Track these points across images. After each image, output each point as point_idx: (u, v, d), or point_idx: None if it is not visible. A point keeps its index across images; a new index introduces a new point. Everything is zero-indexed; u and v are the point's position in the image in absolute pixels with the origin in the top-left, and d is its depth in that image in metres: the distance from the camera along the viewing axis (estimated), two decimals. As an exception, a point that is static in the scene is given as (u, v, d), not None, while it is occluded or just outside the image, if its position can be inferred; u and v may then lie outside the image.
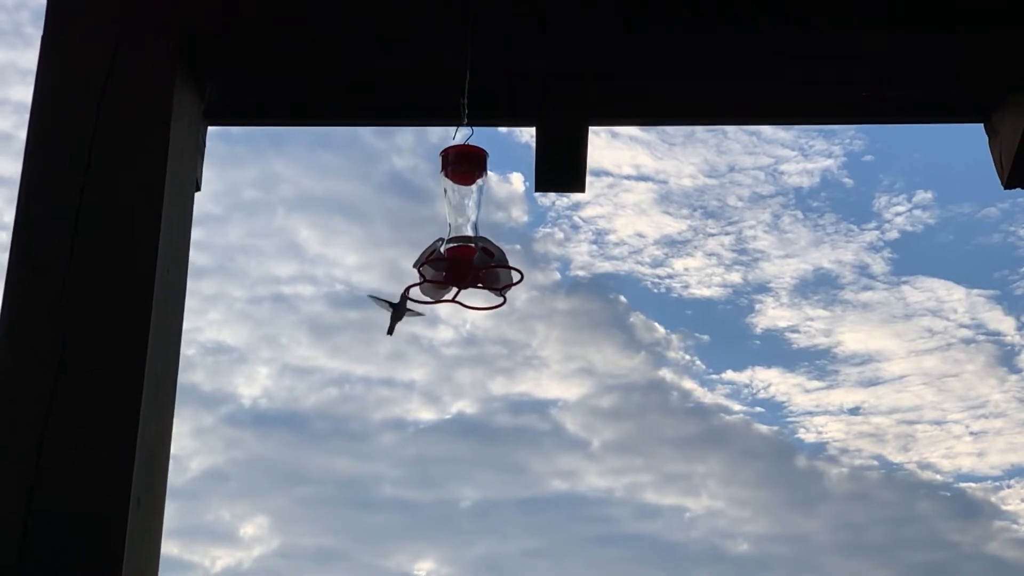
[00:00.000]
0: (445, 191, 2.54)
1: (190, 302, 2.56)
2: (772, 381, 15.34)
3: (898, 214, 15.06)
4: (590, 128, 2.94)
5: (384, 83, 2.91)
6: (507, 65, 2.79)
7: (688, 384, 15.29)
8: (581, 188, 2.98)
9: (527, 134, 3.01)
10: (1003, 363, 14.98)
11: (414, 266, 2.48)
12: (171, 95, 2.45)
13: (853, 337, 15.22)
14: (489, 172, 2.56)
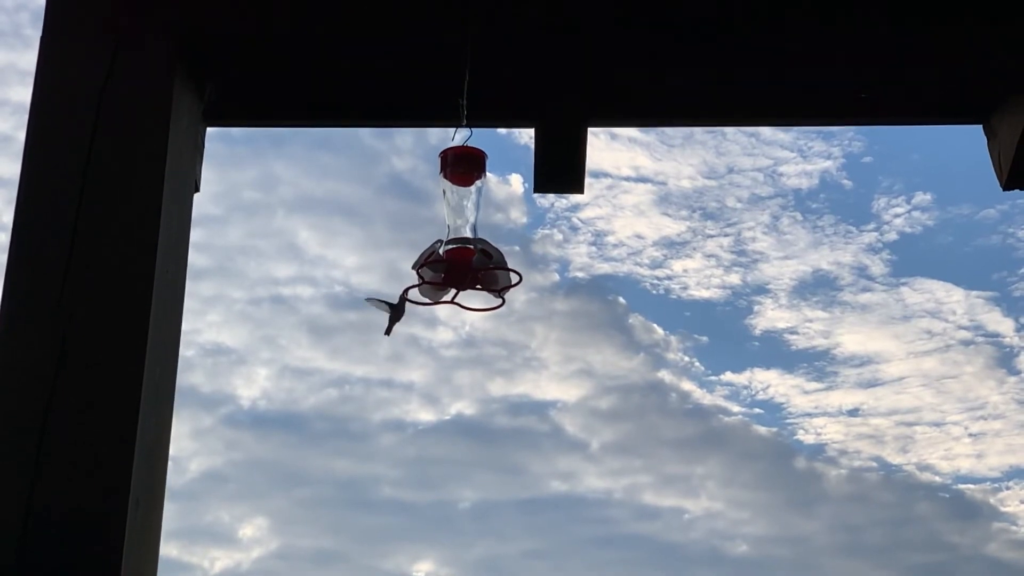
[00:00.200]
0: (444, 192, 2.54)
1: (189, 303, 2.56)
2: (771, 382, 15.33)
3: (897, 216, 15.06)
4: (589, 129, 2.94)
5: (383, 84, 2.91)
6: (506, 66, 2.79)
7: (687, 385, 15.29)
8: (580, 189, 2.98)
9: (526, 135, 3.01)
10: (1002, 365, 14.97)
11: (413, 267, 2.48)
12: (170, 96, 2.45)
13: (852, 339, 15.21)
14: (488, 173, 2.56)
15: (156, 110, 2.44)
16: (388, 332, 2.58)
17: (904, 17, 2.61)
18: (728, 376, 15.40)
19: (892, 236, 14.97)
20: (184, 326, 2.54)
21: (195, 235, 2.60)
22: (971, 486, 14.81)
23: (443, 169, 2.54)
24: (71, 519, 2.16)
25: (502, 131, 3.41)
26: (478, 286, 2.48)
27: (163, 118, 2.43)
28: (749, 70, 2.84)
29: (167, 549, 2.37)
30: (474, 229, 2.52)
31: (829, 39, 2.70)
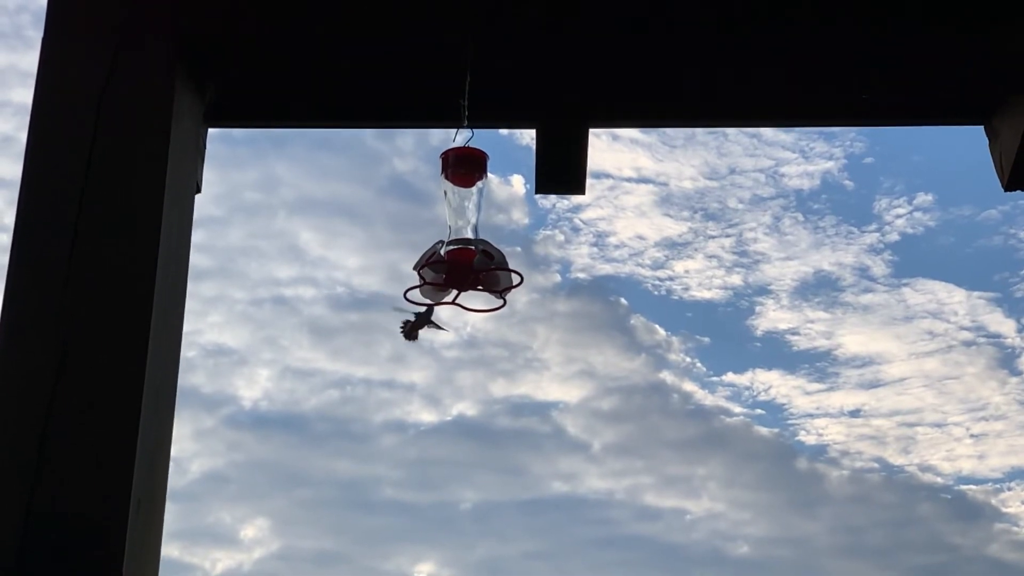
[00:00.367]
0: (445, 193, 2.54)
1: (190, 304, 2.56)
2: (773, 383, 15.33)
3: (899, 216, 15.06)
4: (591, 130, 2.94)
5: (384, 85, 2.91)
6: (507, 67, 2.79)
7: (689, 386, 15.29)
8: (581, 190, 2.98)
9: (528, 136, 3.01)
10: (1004, 365, 14.97)
11: (414, 268, 2.48)
12: (171, 97, 2.45)
13: (854, 339, 15.21)
14: (489, 174, 2.56)
15: (157, 111, 2.44)
16: (413, 338, 2.58)
17: (905, 18, 2.61)
18: (730, 377, 15.40)
19: (894, 237, 14.97)
20: (185, 327, 2.54)
21: (196, 236, 2.61)
22: (973, 487, 14.81)
23: (444, 170, 2.54)
24: (72, 521, 2.16)
25: (503, 132, 3.41)
26: (479, 287, 2.48)
27: (164, 119, 2.43)
28: (751, 71, 2.84)
29: (168, 550, 2.37)
30: (475, 230, 2.52)
31: (830, 40, 2.70)
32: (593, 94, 2.89)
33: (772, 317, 15.15)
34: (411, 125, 3.19)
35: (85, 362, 2.26)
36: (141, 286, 2.32)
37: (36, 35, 2.52)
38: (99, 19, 2.51)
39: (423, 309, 2.58)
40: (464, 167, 2.54)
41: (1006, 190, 2.85)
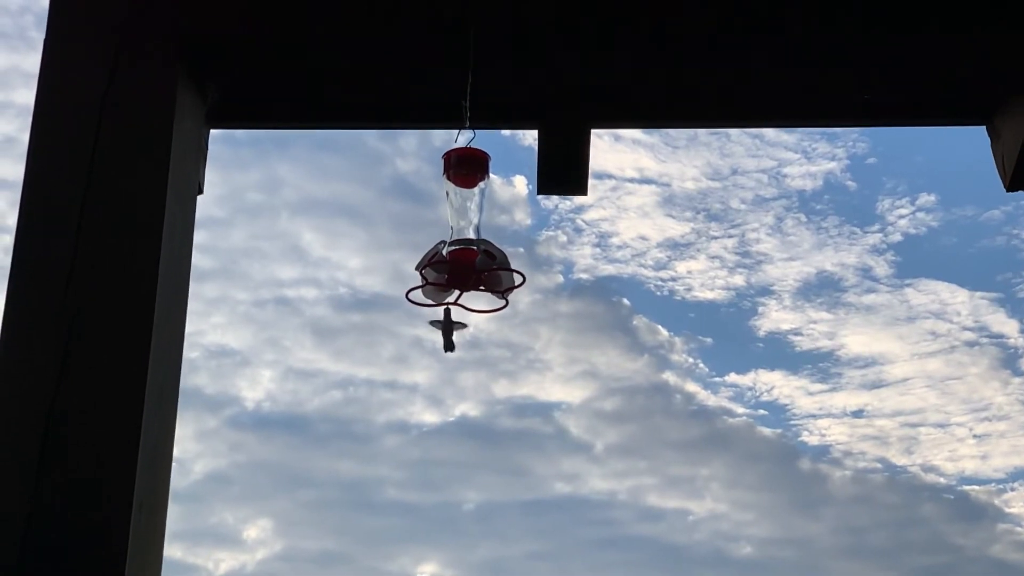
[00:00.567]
0: (447, 194, 2.54)
1: (193, 305, 2.56)
2: (775, 384, 15.31)
3: (901, 217, 15.05)
4: (593, 131, 2.94)
5: (386, 86, 2.91)
6: (509, 68, 2.79)
7: (691, 387, 15.27)
8: (583, 191, 2.98)
9: (530, 137, 3.01)
10: (1007, 366, 14.95)
11: (416, 269, 2.48)
12: (173, 98, 2.45)
13: (856, 340, 15.19)
14: (492, 175, 2.56)
15: (159, 112, 2.44)
16: (450, 348, 2.57)
17: (907, 18, 2.61)
18: (732, 377, 15.39)
19: (896, 237, 14.96)
20: (188, 328, 2.55)
21: (199, 237, 2.61)
22: (976, 487, 14.79)
23: (446, 171, 2.54)
24: (74, 521, 2.16)
25: (506, 133, 3.41)
26: (481, 287, 2.48)
27: (166, 120, 2.43)
28: (752, 71, 2.84)
29: (171, 551, 2.37)
30: (477, 230, 2.52)
31: (832, 41, 2.70)
32: (595, 95, 2.89)
33: (775, 318, 15.14)
34: (413, 126, 3.19)
35: (87, 362, 2.26)
36: (143, 287, 2.32)
37: (39, 36, 2.52)
38: (101, 20, 2.51)
39: (442, 318, 2.58)
40: (466, 168, 2.54)
41: (1008, 190, 2.85)
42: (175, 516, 2.42)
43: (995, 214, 14.91)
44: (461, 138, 2.55)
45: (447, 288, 2.48)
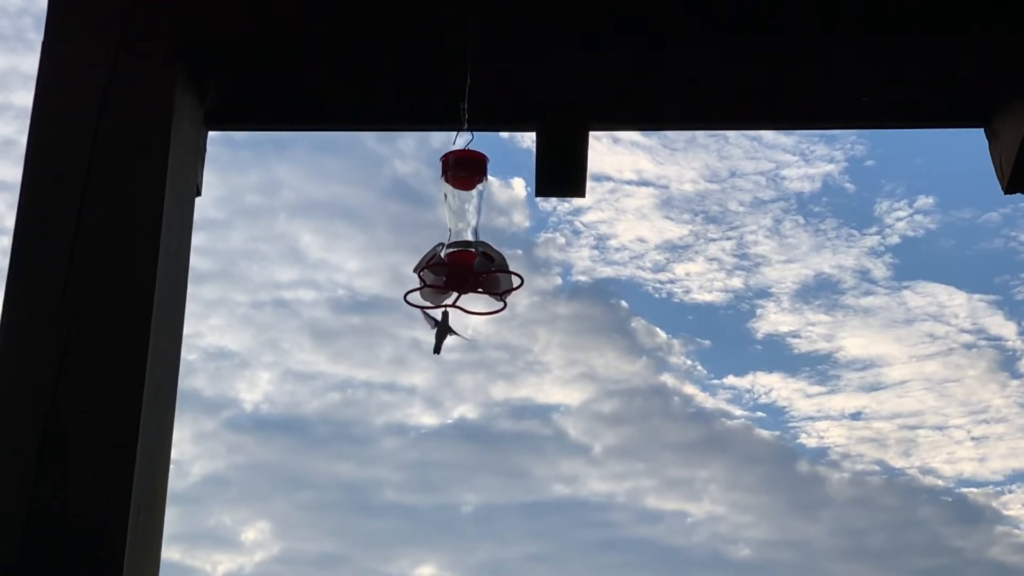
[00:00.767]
0: (446, 196, 2.54)
1: (192, 307, 2.56)
2: (773, 386, 15.33)
3: (899, 219, 15.07)
4: (591, 133, 2.94)
5: (385, 88, 2.91)
6: (507, 70, 2.79)
7: (689, 389, 15.29)
8: (581, 193, 2.98)
9: (528, 139, 3.02)
10: (1004, 368, 14.97)
11: (414, 271, 2.48)
12: (171, 100, 2.45)
13: (854, 342, 15.22)
14: (490, 177, 2.56)
15: (157, 114, 2.44)
16: (438, 351, 2.58)
17: (904, 21, 2.61)
18: (730, 380, 15.41)
19: (894, 240, 14.98)
20: (186, 330, 2.55)
21: (197, 239, 2.61)
22: (974, 490, 14.81)
23: (444, 173, 2.54)
24: (72, 523, 2.16)
25: (504, 135, 3.41)
26: (480, 289, 2.48)
27: (164, 122, 2.43)
28: (751, 73, 2.84)
29: (169, 553, 2.37)
30: (475, 232, 2.52)
31: (830, 42, 2.70)
32: (593, 97, 2.89)
33: (773, 320, 15.16)
34: (411, 128, 3.20)
35: (86, 364, 2.26)
36: (141, 288, 2.32)
37: (37, 38, 2.52)
38: (99, 22, 2.51)
39: (438, 320, 2.58)
40: (464, 170, 2.54)
41: (1006, 192, 2.85)
42: (173, 518, 2.43)
43: (993, 216, 14.94)
44: (459, 140, 2.55)
45: (445, 290, 2.48)
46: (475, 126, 2.55)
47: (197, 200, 2.66)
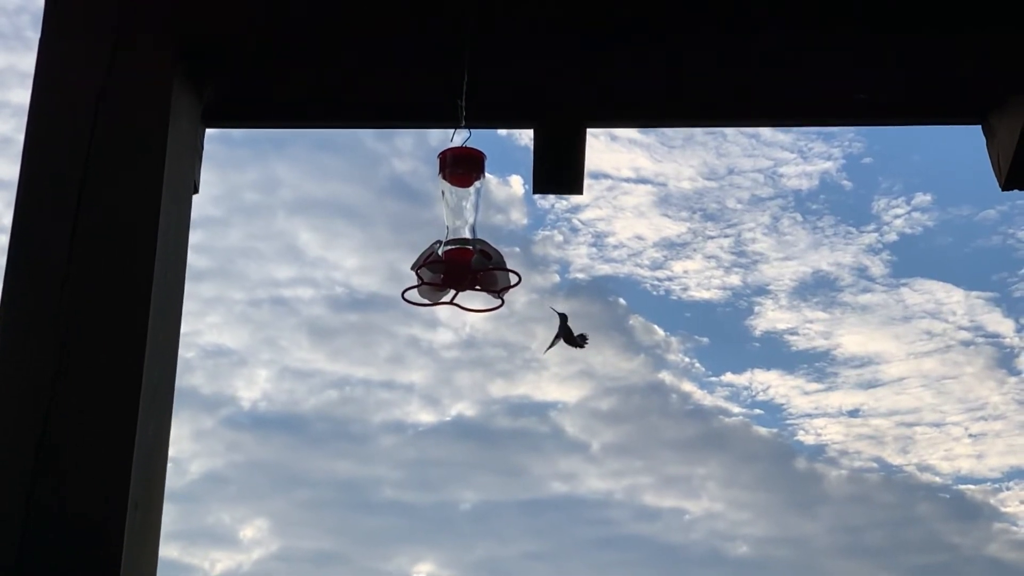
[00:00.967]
0: (443, 193, 2.54)
1: (189, 305, 2.56)
2: (771, 383, 15.33)
3: (897, 216, 15.06)
4: (589, 131, 2.94)
5: (383, 85, 2.91)
6: (505, 67, 2.79)
7: (687, 386, 15.28)
8: (579, 190, 2.98)
9: (526, 136, 3.02)
10: (1002, 365, 14.97)
11: (412, 268, 2.48)
12: (169, 97, 2.45)
13: (852, 339, 15.21)
14: (487, 175, 2.56)
15: (155, 111, 2.44)
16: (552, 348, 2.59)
17: (902, 18, 2.61)
18: (728, 377, 15.40)
19: (892, 237, 14.98)
20: (184, 328, 2.55)
21: (195, 237, 2.61)
22: (972, 487, 14.81)
23: (442, 170, 2.54)
24: (70, 522, 2.16)
25: (502, 133, 3.41)
26: (477, 287, 2.48)
27: (162, 119, 2.43)
28: (749, 71, 2.84)
29: (168, 550, 2.37)
30: (473, 230, 2.52)
31: (828, 40, 2.70)
32: (591, 94, 2.89)
33: (771, 317, 15.16)
34: (409, 125, 3.19)
35: (83, 363, 2.26)
36: (139, 286, 2.32)
37: (35, 36, 2.52)
38: (96, 19, 2.51)
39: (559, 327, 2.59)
40: (462, 167, 2.53)
41: (1003, 189, 2.85)
42: (171, 516, 2.43)
43: (991, 213, 14.94)
44: (457, 137, 2.55)
45: (443, 288, 2.48)
46: (473, 123, 2.55)
47: (195, 198, 2.66)
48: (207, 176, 2.76)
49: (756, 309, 15.20)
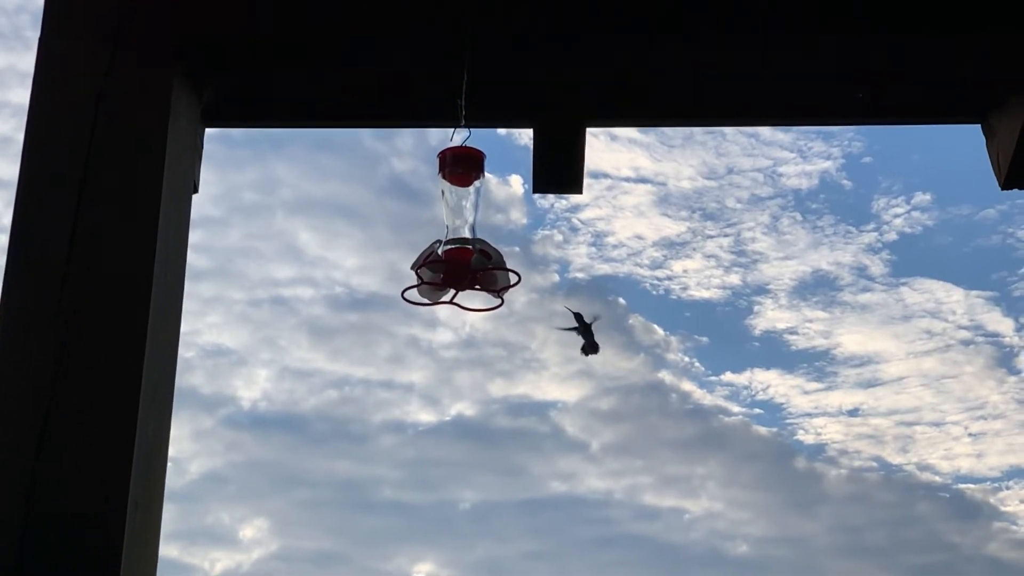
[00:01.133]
0: (443, 193, 2.54)
1: (189, 305, 2.56)
2: (771, 383, 15.35)
3: (897, 216, 15.08)
4: (589, 130, 2.94)
5: (382, 84, 2.91)
6: (504, 66, 2.79)
7: (687, 386, 15.30)
8: (579, 189, 2.98)
9: (526, 136, 3.02)
10: (1002, 364, 15.00)
11: (412, 268, 2.48)
12: (169, 97, 2.45)
13: (852, 339, 15.23)
14: (487, 174, 2.56)
15: (154, 111, 2.44)
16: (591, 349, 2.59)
17: (902, 18, 2.61)
18: (728, 376, 15.42)
19: (892, 236, 14.99)
20: (184, 327, 2.55)
21: (195, 236, 2.61)
22: (971, 486, 14.83)
23: (441, 170, 2.54)
24: (70, 521, 2.16)
25: (502, 132, 3.42)
26: (477, 286, 2.48)
27: (162, 119, 2.43)
28: (749, 70, 2.84)
29: (168, 550, 2.37)
30: (473, 229, 2.52)
31: (828, 40, 2.70)
32: (590, 93, 2.89)
33: (770, 317, 15.17)
34: (409, 125, 3.19)
35: (83, 362, 2.26)
36: (139, 286, 2.32)
37: (35, 35, 2.52)
38: (96, 19, 2.51)
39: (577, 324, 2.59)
40: (461, 167, 2.53)
41: (1003, 188, 2.85)
42: (171, 516, 2.43)
43: (990, 213, 14.96)
44: (457, 137, 2.55)
45: (443, 287, 2.48)
46: (472, 123, 2.55)
47: (194, 197, 2.66)
48: (207, 176, 2.76)
49: (756, 308, 15.22)
